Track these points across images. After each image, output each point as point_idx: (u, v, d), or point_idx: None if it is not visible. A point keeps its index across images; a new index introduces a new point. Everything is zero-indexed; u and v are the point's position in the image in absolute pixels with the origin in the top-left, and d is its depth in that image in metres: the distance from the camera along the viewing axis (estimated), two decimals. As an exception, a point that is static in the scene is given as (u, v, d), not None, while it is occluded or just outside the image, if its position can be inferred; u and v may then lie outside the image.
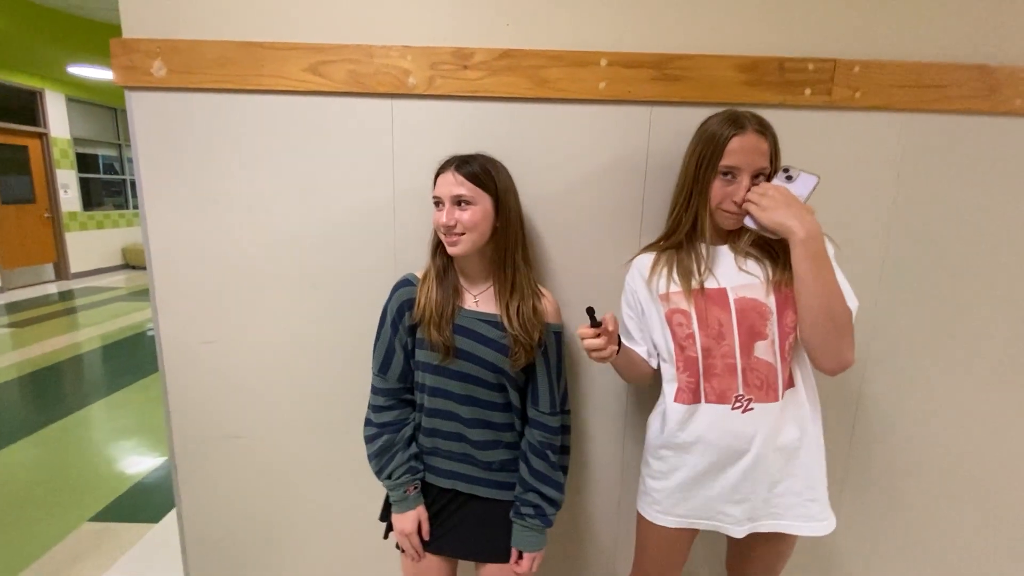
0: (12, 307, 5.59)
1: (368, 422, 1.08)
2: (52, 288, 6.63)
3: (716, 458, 0.98)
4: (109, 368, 3.85)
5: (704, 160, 0.94)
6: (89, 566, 1.82)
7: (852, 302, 0.89)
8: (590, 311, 0.89)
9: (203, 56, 1.11)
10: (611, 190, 1.18)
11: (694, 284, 0.97)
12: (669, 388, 1.04)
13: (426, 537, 1.06)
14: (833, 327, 0.86)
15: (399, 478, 1.04)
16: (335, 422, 1.27)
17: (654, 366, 1.07)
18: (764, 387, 0.95)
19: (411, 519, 1.05)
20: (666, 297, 1.00)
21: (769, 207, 0.87)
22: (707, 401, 0.98)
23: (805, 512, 0.99)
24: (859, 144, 1.17)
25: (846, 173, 1.18)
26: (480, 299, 1.05)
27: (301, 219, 1.19)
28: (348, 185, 1.18)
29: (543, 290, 1.08)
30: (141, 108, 1.14)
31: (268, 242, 1.20)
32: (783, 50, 1.13)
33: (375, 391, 1.08)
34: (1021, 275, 1.23)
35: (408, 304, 1.03)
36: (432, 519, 1.07)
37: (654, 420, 1.09)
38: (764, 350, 0.95)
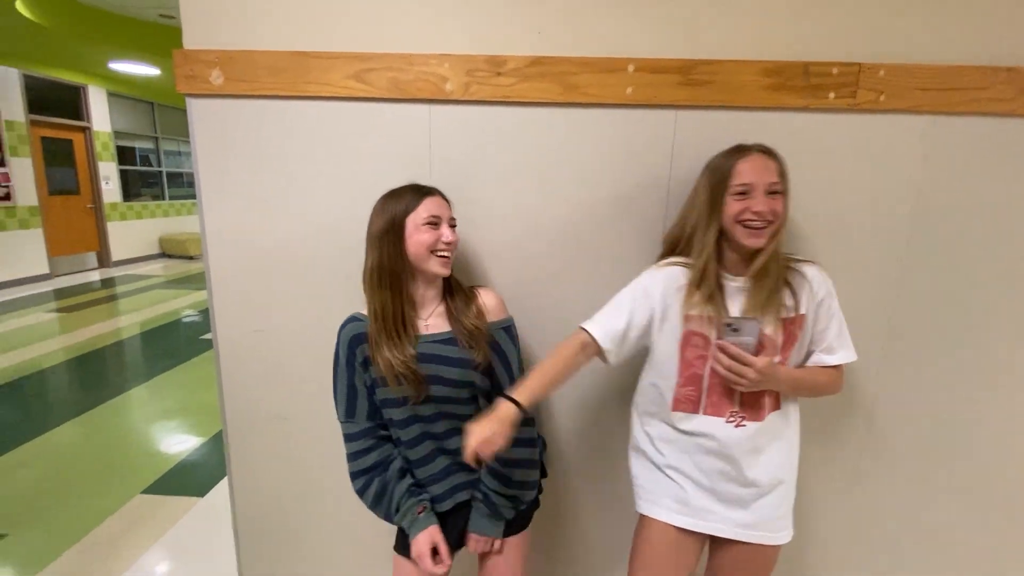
0: (59, 293, 5.90)
1: (353, 475, 1.07)
2: (95, 275, 6.96)
3: (706, 462, 1.04)
4: (149, 353, 4.06)
5: (716, 186, 0.99)
6: (143, 535, 1.97)
7: (848, 356, 1.05)
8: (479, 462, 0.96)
9: (256, 65, 1.19)
10: (635, 190, 1.23)
11: (716, 312, 1.00)
12: (663, 393, 1.07)
13: (445, 560, 1.04)
14: (817, 394, 1.09)
15: (406, 505, 1.05)
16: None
17: (611, 362, 1.06)
18: (756, 407, 1.03)
19: (425, 541, 1.03)
20: (690, 318, 1.02)
21: (750, 387, 0.98)
22: (705, 413, 1.04)
23: (775, 525, 1.06)
24: (882, 147, 1.19)
25: (868, 175, 1.21)
26: (430, 321, 1.07)
27: (344, 216, 1.27)
28: (387, 185, 1.25)
29: (479, 289, 1.11)
30: (200, 113, 1.23)
31: (312, 238, 1.29)
32: (808, 55, 1.16)
33: (348, 438, 1.08)
34: (1045, 277, 1.24)
35: (357, 339, 1.05)
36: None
37: (648, 419, 1.12)
38: None
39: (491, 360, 1.07)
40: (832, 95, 1.16)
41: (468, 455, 0.92)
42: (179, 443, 2.68)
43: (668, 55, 1.16)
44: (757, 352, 0.98)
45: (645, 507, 1.12)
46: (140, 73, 6.60)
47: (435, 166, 1.24)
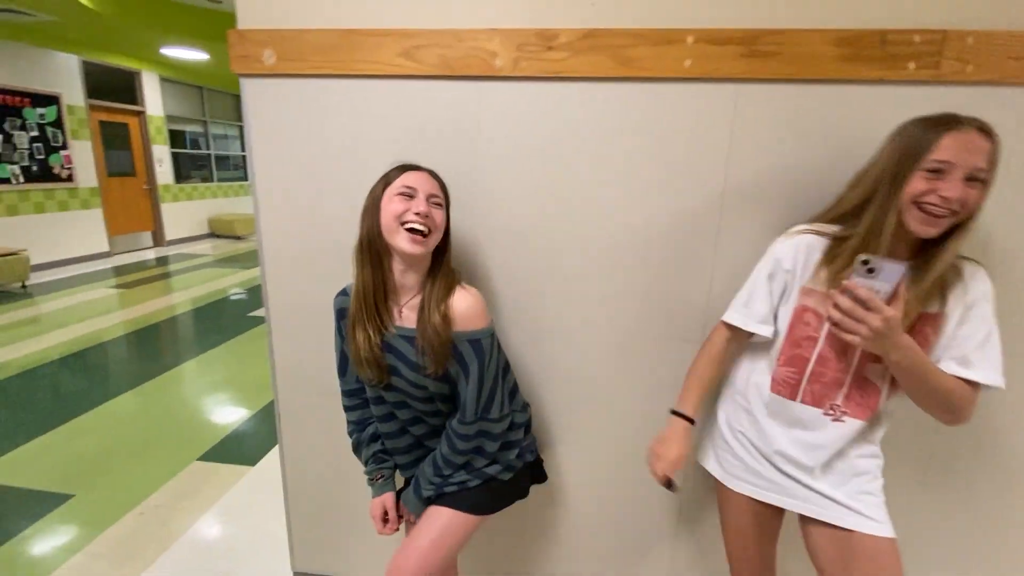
0: (118, 270, 6.24)
1: (346, 422, 1.21)
2: (150, 254, 7.32)
3: (788, 451, 0.99)
4: (200, 329, 4.25)
5: (907, 158, 0.83)
6: (199, 499, 2.08)
7: (988, 377, 0.86)
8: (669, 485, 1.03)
9: (307, 44, 1.19)
10: (691, 169, 1.18)
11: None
12: (761, 370, 1.03)
13: (392, 523, 1.17)
14: (941, 409, 0.89)
15: (369, 467, 1.18)
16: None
17: (772, 336, 1.01)
18: (863, 405, 0.95)
19: (377, 505, 1.16)
20: (809, 292, 0.93)
21: (864, 344, 0.84)
22: (803, 401, 0.97)
23: (863, 508, 0.98)
24: (967, 122, 1.09)
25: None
26: (405, 311, 1.05)
27: (391, 196, 1.27)
28: (436, 164, 1.24)
29: (458, 289, 1.02)
30: (253, 93, 1.25)
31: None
32: (886, 21, 1.07)
33: (342, 392, 1.19)
34: None
35: (340, 314, 1.11)
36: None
37: (743, 383, 1.07)
38: (877, 373, 0.94)
39: (449, 369, 1.02)
40: (912, 65, 1.07)
41: (660, 480, 1.02)
42: (230, 414, 2.80)
43: (731, 25, 1.10)
44: (924, 315, 0.86)
45: (726, 479, 1.10)
46: (190, 58, 6.80)
47: (483, 143, 1.22)
